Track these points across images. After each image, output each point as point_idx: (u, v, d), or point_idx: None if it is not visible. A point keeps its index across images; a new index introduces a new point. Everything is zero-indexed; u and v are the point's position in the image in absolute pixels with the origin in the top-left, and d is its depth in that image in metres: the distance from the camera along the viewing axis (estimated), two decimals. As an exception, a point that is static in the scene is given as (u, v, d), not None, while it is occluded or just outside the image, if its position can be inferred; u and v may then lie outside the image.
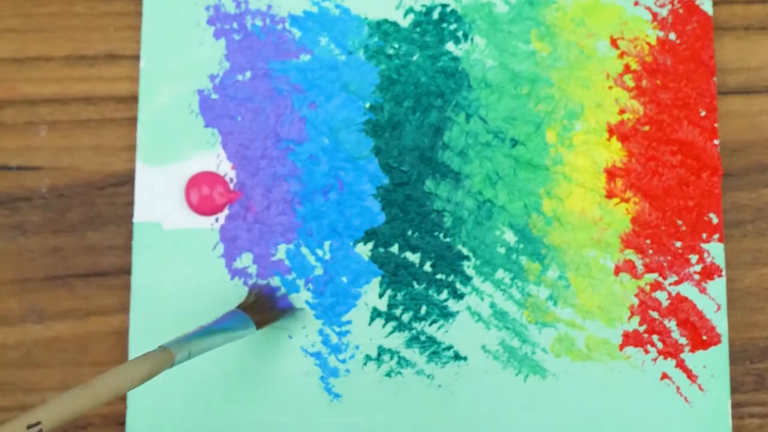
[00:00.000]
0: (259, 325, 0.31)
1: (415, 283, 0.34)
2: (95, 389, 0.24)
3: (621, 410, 0.33)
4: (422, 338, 0.34)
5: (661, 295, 0.33)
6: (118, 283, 0.35)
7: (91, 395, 0.24)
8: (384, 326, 0.34)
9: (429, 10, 0.35)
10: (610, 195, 0.34)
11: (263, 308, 0.32)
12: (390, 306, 0.34)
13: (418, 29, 0.35)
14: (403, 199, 0.34)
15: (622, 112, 0.34)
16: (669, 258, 0.34)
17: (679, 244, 0.34)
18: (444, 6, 0.35)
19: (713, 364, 0.33)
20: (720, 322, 0.33)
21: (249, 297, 0.33)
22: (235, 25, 0.35)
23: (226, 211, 0.34)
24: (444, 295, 0.34)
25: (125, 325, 0.34)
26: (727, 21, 0.36)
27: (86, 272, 0.35)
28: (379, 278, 0.34)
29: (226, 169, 0.34)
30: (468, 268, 0.34)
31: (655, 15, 0.35)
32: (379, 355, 0.33)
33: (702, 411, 0.33)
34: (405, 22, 0.35)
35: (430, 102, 0.34)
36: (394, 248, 0.34)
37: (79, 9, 0.36)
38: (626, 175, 0.34)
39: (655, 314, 0.33)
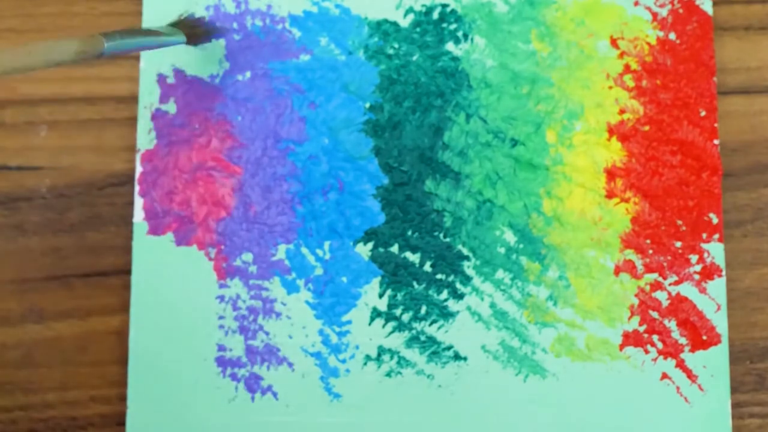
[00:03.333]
0: (190, 39, 0.33)
1: (415, 283, 0.34)
2: (28, 50, 0.25)
3: (621, 410, 0.33)
4: (422, 338, 0.34)
5: (661, 295, 0.33)
6: (118, 283, 0.35)
7: (23, 53, 0.25)
8: (384, 326, 0.34)
9: (429, 10, 0.35)
10: (610, 195, 0.34)
11: (194, 27, 0.34)
12: (390, 306, 0.34)
13: (418, 29, 0.35)
14: (403, 199, 0.34)
15: (622, 112, 0.34)
16: (669, 258, 0.34)
17: (679, 244, 0.34)
18: (444, 6, 0.35)
19: (713, 364, 0.33)
20: (720, 322, 0.33)
21: (177, 19, 0.34)
22: (235, 25, 0.35)
23: (224, 213, 0.34)
24: (444, 295, 0.34)
25: (125, 325, 0.34)
26: (727, 21, 0.36)
27: (86, 272, 0.35)
28: (379, 278, 0.34)
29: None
30: (468, 268, 0.34)
31: (655, 15, 0.35)
32: (379, 355, 0.33)
33: (702, 411, 0.33)
34: (405, 22, 0.35)
35: (430, 102, 0.34)
36: (394, 248, 0.34)
37: (79, 9, 0.36)
38: (626, 175, 0.34)
39: (655, 314, 0.33)
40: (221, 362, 0.34)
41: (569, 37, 0.35)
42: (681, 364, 0.33)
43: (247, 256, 0.34)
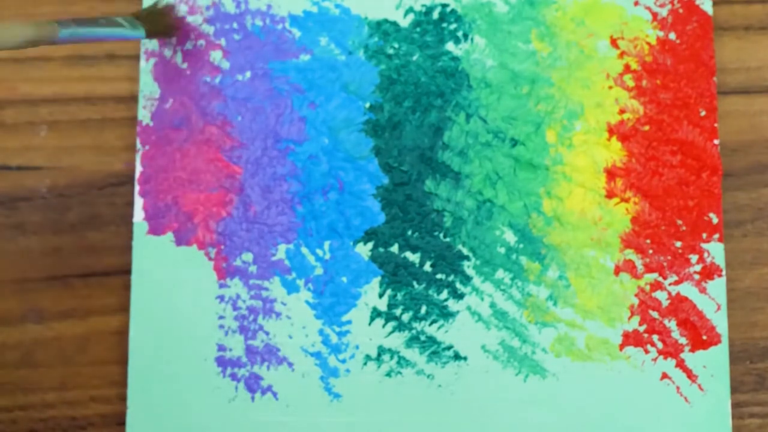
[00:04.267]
0: (150, 34, 0.32)
1: (415, 283, 0.34)
2: None
3: (621, 410, 0.33)
4: (422, 338, 0.34)
5: (661, 295, 0.33)
6: (118, 283, 0.35)
7: None
8: (384, 326, 0.34)
9: (429, 10, 0.35)
10: (610, 195, 0.34)
11: (158, 21, 0.33)
12: (390, 306, 0.34)
13: (418, 29, 0.35)
14: (403, 199, 0.34)
15: (622, 112, 0.34)
16: (669, 258, 0.34)
17: (679, 244, 0.34)
18: (444, 6, 0.35)
19: (713, 364, 0.33)
20: (720, 322, 0.33)
21: (145, 10, 0.33)
22: (235, 25, 0.35)
23: (224, 213, 0.34)
24: (444, 295, 0.34)
25: (125, 325, 0.34)
26: (727, 21, 0.36)
27: (86, 272, 0.35)
28: (379, 278, 0.34)
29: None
30: (468, 268, 0.34)
31: (655, 15, 0.35)
32: (379, 355, 0.33)
33: (702, 411, 0.33)
34: (405, 22, 0.35)
35: (430, 102, 0.34)
36: (394, 248, 0.34)
37: (79, 9, 0.36)
38: (626, 175, 0.34)
39: (655, 314, 0.33)
40: (221, 362, 0.34)
41: (569, 37, 0.35)
42: (681, 364, 0.33)
43: (247, 256, 0.34)
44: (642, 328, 0.33)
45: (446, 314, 0.34)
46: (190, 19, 0.35)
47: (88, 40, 0.29)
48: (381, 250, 0.34)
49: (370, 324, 0.34)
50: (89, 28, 0.29)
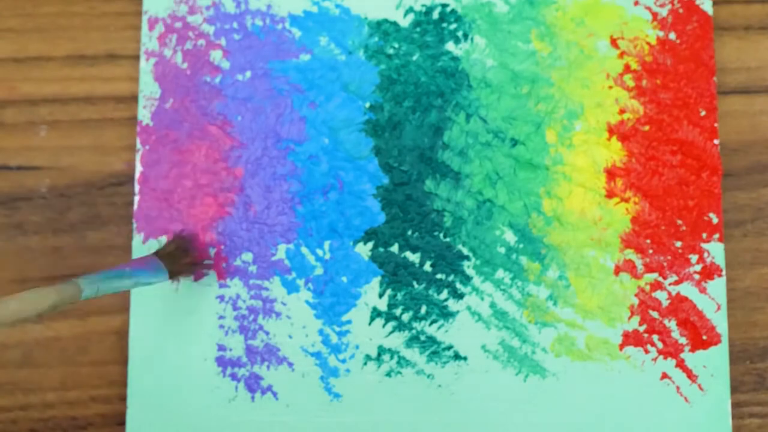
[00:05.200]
0: (173, 275, 0.31)
1: (415, 283, 0.34)
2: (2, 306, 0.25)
3: (621, 410, 0.33)
4: (422, 338, 0.34)
5: (661, 295, 0.33)
6: (118, 283, 0.35)
7: None
8: (384, 326, 0.34)
9: (429, 10, 0.35)
10: (610, 195, 0.34)
11: (179, 259, 0.32)
12: (390, 306, 0.34)
13: (418, 29, 0.35)
14: (403, 198, 0.34)
15: (622, 111, 0.34)
16: (669, 258, 0.34)
17: (679, 244, 0.34)
18: (444, 6, 0.35)
19: (713, 364, 0.33)
20: (720, 322, 0.33)
21: (168, 245, 0.33)
22: (235, 24, 0.35)
23: (224, 212, 0.34)
24: (444, 294, 0.34)
25: (125, 325, 0.34)
26: (727, 21, 0.36)
27: (86, 272, 0.35)
28: (379, 278, 0.34)
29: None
30: (468, 267, 0.34)
31: (655, 15, 0.35)
32: (379, 354, 0.33)
33: (702, 411, 0.33)
34: (405, 22, 0.35)
35: (430, 102, 0.34)
36: (394, 248, 0.34)
37: (79, 9, 0.36)
38: (626, 175, 0.34)
39: (655, 314, 0.33)
40: (221, 362, 0.34)
41: (569, 37, 0.35)
42: (681, 364, 0.33)
43: (247, 256, 0.34)
44: (642, 328, 0.33)
45: (446, 314, 0.34)
46: (190, 19, 0.35)
47: (110, 292, 0.29)
48: (381, 250, 0.34)
49: (370, 324, 0.34)
50: (113, 281, 0.29)
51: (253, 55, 0.35)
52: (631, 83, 0.34)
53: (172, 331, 0.34)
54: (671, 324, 0.33)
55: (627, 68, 0.35)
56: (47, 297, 0.26)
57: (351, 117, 0.34)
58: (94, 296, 0.28)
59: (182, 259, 0.32)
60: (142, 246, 0.34)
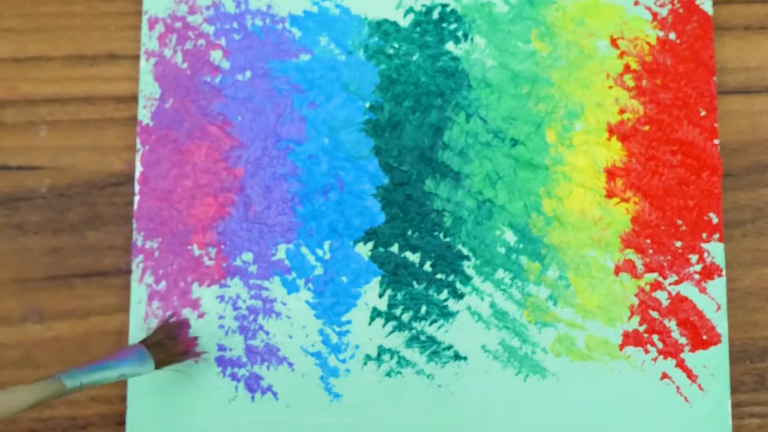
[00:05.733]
0: (159, 365, 0.31)
1: (415, 283, 0.34)
2: None
3: (621, 410, 0.33)
4: (422, 338, 0.34)
5: (661, 295, 0.33)
6: (118, 283, 0.35)
7: None
8: (384, 326, 0.34)
9: (429, 10, 0.35)
10: (610, 195, 0.34)
11: (167, 349, 0.32)
12: (390, 306, 0.34)
13: (418, 29, 0.35)
14: (403, 199, 0.34)
15: (622, 111, 0.34)
16: (669, 258, 0.34)
17: (679, 243, 0.34)
18: (444, 6, 0.35)
19: (713, 363, 0.33)
20: (720, 322, 0.33)
21: (156, 334, 0.32)
22: (235, 24, 0.35)
23: (224, 212, 0.34)
24: (444, 294, 0.34)
25: (125, 325, 0.34)
26: (727, 21, 0.36)
27: (86, 272, 0.35)
28: (379, 278, 0.34)
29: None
30: (468, 267, 0.34)
31: (655, 15, 0.35)
32: (379, 354, 0.33)
33: (702, 411, 0.33)
34: (405, 22, 0.35)
35: (430, 102, 0.34)
36: (394, 248, 0.34)
37: (79, 9, 0.36)
38: (626, 175, 0.34)
39: (655, 314, 0.33)
40: (221, 362, 0.34)
41: (569, 37, 0.35)
42: (681, 364, 0.33)
43: (247, 256, 0.34)
44: (642, 328, 0.33)
45: (446, 314, 0.34)
46: (190, 19, 0.35)
47: (96, 384, 0.29)
48: (381, 250, 0.34)
49: (370, 324, 0.34)
50: (96, 374, 0.28)
51: (253, 55, 0.35)
52: (631, 83, 0.34)
53: (172, 331, 0.34)
54: (671, 324, 0.33)
55: (627, 68, 0.35)
56: (32, 394, 0.26)
57: (351, 117, 0.34)
58: (78, 389, 0.28)
59: (170, 348, 0.32)
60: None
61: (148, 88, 0.35)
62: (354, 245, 0.34)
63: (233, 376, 0.33)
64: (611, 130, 0.34)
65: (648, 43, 0.35)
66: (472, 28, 0.35)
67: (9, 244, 0.35)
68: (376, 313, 0.34)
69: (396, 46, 0.35)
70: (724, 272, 0.34)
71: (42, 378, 0.27)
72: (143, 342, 0.31)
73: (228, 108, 0.35)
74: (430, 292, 0.34)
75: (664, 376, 0.33)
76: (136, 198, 0.34)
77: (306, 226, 0.34)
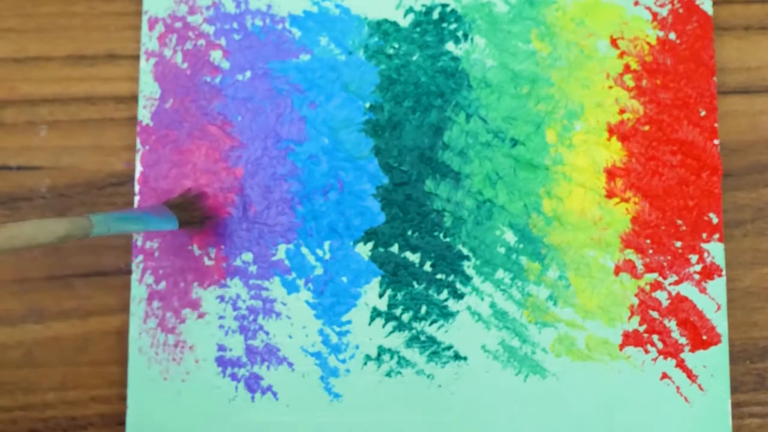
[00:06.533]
0: (182, 224, 0.32)
1: (415, 283, 0.34)
2: (11, 231, 0.25)
3: (621, 410, 0.33)
4: (422, 338, 0.34)
5: (661, 295, 0.33)
6: (118, 283, 0.35)
7: (6, 236, 0.25)
8: (384, 326, 0.34)
9: (429, 10, 0.35)
10: (610, 195, 0.34)
11: (189, 212, 0.33)
12: (390, 306, 0.34)
13: (418, 29, 0.35)
14: (403, 199, 0.34)
15: (622, 111, 0.34)
16: (669, 258, 0.34)
17: (679, 244, 0.34)
18: (444, 6, 0.35)
19: (713, 364, 0.33)
20: (720, 322, 0.33)
21: (176, 198, 0.33)
22: (235, 24, 0.35)
23: (224, 212, 0.34)
24: (444, 295, 0.34)
25: (125, 325, 0.34)
26: (727, 21, 0.36)
27: (86, 272, 0.35)
28: (379, 278, 0.34)
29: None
30: (468, 268, 0.34)
31: (655, 15, 0.35)
32: (379, 355, 0.33)
33: (702, 411, 0.33)
34: (405, 22, 0.35)
35: (430, 102, 0.34)
36: (394, 248, 0.34)
37: (79, 9, 0.36)
38: (626, 175, 0.34)
39: (655, 314, 0.33)
40: (221, 362, 0.34)
41: (569, 37, 0.35)
42: (681, 364, 0.33)
43: (247, 256, 0.34)
44: (642, 328, 0.33)
45: (446, 314, 0.34)
46: (190, 19, 0.35)
47: (121, 233, 0.29)
48: (381, 250, 0.34)
49: (370, 324, 0.34)
50: (123, 222, 0.29)
51: (253, 55, 0.35)
52: (631, 83, 0.34)
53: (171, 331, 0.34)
54: (671, 324, 0.33)
55: (627, 68, 0.35)
56: (59, 226, 0.26)
57: (351, 117, 0.34)
58: (104, 234, 0.28)
59: (191, 211, 0.33)
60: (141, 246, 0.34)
61: (148, 88, 0.35)
62: (354, 245, 0.34)
63: (233, 376, 0.33)
64: (611, 130, 0.34)
65: (648, 43, 0.35)
66: (472, 28, 0.35)
67: (9, 244, 0.35)
68: (376, 313, 0.34)
69: (396, 46, 0.35)
70: (724, 272, 0.34)
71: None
72: (164, 203, 0.32)
73: (228, 108, 0.35)
74: (430, 292, 0.34)
75: (664, 376, 0.33)
76: (136, 198, 0.34)
77: (306, 226, 0.34)
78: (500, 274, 0.34)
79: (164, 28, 0.35)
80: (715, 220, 0.34)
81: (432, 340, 0.34)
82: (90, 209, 0.35)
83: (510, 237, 0.34)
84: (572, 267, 0.34)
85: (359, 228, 0.34)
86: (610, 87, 0.34)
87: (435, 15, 0.35)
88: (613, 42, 0.35)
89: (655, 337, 0.33)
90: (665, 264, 0.34)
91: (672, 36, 0.35)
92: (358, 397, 0.33)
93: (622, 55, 0.35)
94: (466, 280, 0.34)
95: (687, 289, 0.33)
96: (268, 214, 0.34)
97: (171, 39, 0.35)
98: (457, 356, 0.33)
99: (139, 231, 0.29)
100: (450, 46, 0.35)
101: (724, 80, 0.35)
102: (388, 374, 0.33)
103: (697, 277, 0.33)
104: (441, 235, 0.34)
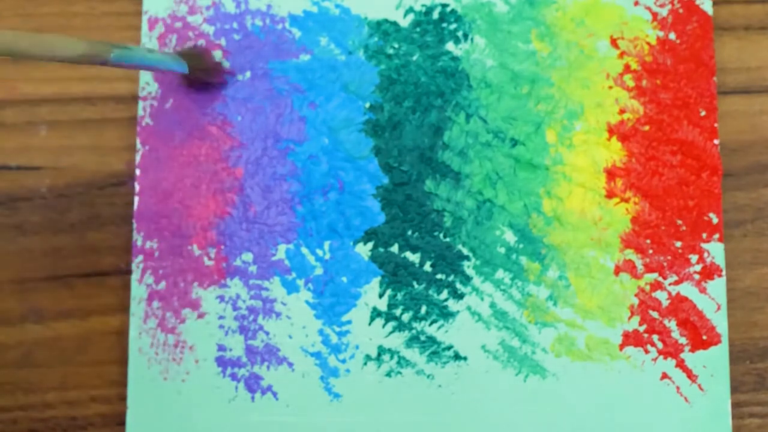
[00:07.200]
0: (191, 71, 0.33)
1: (415, 283, 0.34)
2: (33, 39, 0.25)
3: (621, 410, 0.33)
4: (422, 338, 0.34)
5: (661, 295, 0.33)
6: (118, 283, 0.35)
7: (27, 43, 0.25)
8: (384, 326, 0.34)
9: (429, 10, 0.35)
10: (610, 195, 0.34)
11: (197, 61, 0.33)
12: (390, 306, 0.34)
13: (418, 29, 0.35)
14: (403, 199, 0.34)
15: (622, 111, 0.34)
16: (669, 258, 0.34)
17: (679, 244, 0.34)
18: (444, 6, 0.35)
19: (713, 363, 0.33)
20: (720, 322, 0.33)
21: (184, 48, 0.34)
22: (235, 25, 0.35)
23: (224, 213, 0.34)
24: (444, 295, 0.34)
25: (125, 325, 0.34)
26: (727, 21, 0.36)
27: (86, 272, 0.35)
28: (379, 278, 0.34)
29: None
30: (468, 268, 0.34)
31: (655, 15, 0.35)
32: (379, 355, 0.33)
33: (702, 411, 0.33)
34: (405, 22, 0.35)
35: (430, 102, 0.34)
36: (394, 248, 0.34)
37: (79, 9, 0.36)
38: (626, 175, 0.34)
39: (655, 314, 0.33)
40: (221, 362, 0.34)
41: (569, 37, 0.35)
42: (681, 364, 0.33)
43: (247, 256, 0.34)
44: (642, 328, 0.33)
45: (446, 314, 0.34)
46: (190, 19, 0.35)
47: (136, 66, 0.30)
48: (381, 250, 0.34)
49: (370, 324, 0.34)
50: (138, 55, 0.30)
51: (253, 55, 0.35)
52: (631, 83, 0.34)
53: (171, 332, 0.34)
54: (671, 324, 0.33)
55: (627, 68, 0.35)
56: (79, 45, 0.27)
57: (351, 117, 0.34)
58: (120, 63, 0.29)
59: (199, 61, 0.34)
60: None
61: (148, 88, 0.35)
62: (354, 245, 0.34)
63: (233, 376, 0.33)
64: (611, 130, 0.34)
65: (648, 43, 0.35)
66: (472, 28, 0.35)
67: (9, 245, 0.35)
68: (376, 313, 0.34)
69: (396, 46, 0.35)
70: (724, 272, 0.34)
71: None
72: (175, 52, 0.33)
73: (228, 108, 0.35)
74: (430, 292, 0.34)
75: (664, 376, 0.33)
76: (136, 198, 0.34)
77: (306, 226, 0.34)
78: (500, 274, 0.34)
79: (164, 28, 0.35)
80: (715, 220, 0.34)
81: (432, 340, 0.34)
82: (90, 209, 0.35)
83: (510, 237, 0.34)
84: (572, 267, 0.34)
85: (359, 228, 0.34)
86: (610, 87, 0.34)
87: (435, 15, 0.35)
88: (613, 42, 0.35)
89: (655, 337, 0.33)
90: (665, 264, 0.34)
91: (672, 36, 0.35)
92: (358, 397, 0.33)
93: (622, 55, 0.35)
94: (466, 280, 0.34)
95: (687, 289, 0.33)
96: (268, 214, 0.34)
97: (171, 39, 0.35)
98: (457, 356, 0.33)
99: (154, 65, 0.31)
100: (450, 46, 0.35)
101: (724, 80, 0.35)
102: (388, 374, 0.33)
103: (697, 277, 0.33)
104: (441, 235, 0.34)
